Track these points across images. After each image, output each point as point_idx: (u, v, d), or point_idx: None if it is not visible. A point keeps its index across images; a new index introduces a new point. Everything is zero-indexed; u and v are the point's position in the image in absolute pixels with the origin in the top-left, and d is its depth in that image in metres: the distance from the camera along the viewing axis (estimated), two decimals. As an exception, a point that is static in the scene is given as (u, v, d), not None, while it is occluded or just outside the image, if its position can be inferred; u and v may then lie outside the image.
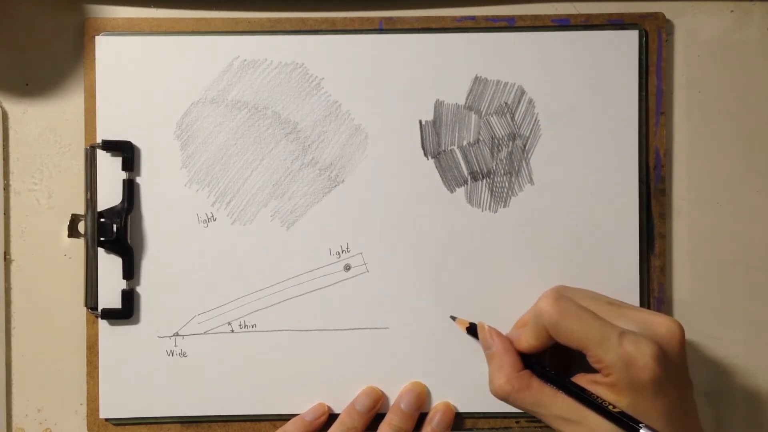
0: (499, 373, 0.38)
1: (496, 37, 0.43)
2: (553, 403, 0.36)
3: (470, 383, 0.43)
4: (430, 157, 0.43)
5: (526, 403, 0.37)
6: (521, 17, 0.44)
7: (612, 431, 0.34)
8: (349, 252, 0.43)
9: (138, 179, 0.43)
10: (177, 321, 0.43)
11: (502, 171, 0.43)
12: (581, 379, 0.37)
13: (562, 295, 0.37)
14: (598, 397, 0.35)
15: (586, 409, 0.35)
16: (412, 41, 0.43)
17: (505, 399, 0.38)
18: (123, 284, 0.43)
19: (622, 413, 0.34)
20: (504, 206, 0.43)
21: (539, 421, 0.43)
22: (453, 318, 0.43)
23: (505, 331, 0.41)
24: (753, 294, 0.45)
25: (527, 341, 0.38)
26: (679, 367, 0.35)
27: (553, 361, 0.40)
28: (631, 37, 0.43)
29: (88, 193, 0.43)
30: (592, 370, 0.36)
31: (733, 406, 0.45)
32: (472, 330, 0.42)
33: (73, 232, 0.43)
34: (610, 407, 0.34)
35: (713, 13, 0.44)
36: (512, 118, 0.43)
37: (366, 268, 0.43)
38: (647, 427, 0.33)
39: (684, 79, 0.44)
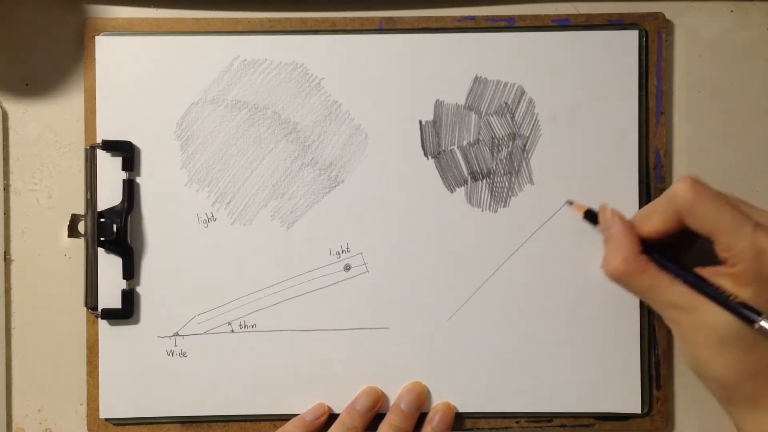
0: (616, 253, 0.37)
1: (496, 37, 0.43)
2: (668, 289, 0.36)
3: (470, 383, 0.43)
4: (430, 157, 0.43)
5: (640, 287, 0.37)
6: (521, 17, 0.44)
7: (727, 322, 0.34)
8: (349, 252, 0.43)
9: (138, 179, 0.43)
10: (177, 321, 0.43)
11: (502, 171, 0.43)
12: (701, 271, 0.36)
13: (698, 179, 0.36)
14: (719, 286, 0.34)
15: (700, 298, 0.35)
16: (412, 41, 0.43)
17: (618, 280, 0.37)
18: (123, 284, 0.43)
19: (743, 304, 0.33)
20: (504, 206, 0.43)
21: (540, 421, 0.43)
22: (570, 203, 0.42)
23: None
24: (753, 294, 0.45)
25: (653, 225, 0.37)
26: None
27: (672, 255, 0.39)
28: (631, 37, 0.43)
29: (88, 193, 0.43)
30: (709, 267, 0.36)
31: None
32: (590, 215, 0.41)
33: (73, 232, 0.43)
34: (732, 297, 0.34)
35: (713, 13, 0.44)
36: (512, 118, 0.43)
37: (366, 268, 0.43)
38: (767, 318, 0.33)
39: (684, 79, 0.44)
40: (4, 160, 0.44)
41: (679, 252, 0.38)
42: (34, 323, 0.44)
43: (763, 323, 0.33)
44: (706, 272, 0.36)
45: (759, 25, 0.44)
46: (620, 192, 0.43)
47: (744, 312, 0.33)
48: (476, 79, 0.43)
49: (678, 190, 0.36)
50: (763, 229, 0.34)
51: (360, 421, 0.42)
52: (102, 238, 0.42)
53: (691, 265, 0.37)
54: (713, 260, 0.36)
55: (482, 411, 0.43)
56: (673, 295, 0.36)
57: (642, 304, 0.43)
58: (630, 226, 0.38)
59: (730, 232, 0.34)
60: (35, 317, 0.44)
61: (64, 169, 0.44)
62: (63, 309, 0.44)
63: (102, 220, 0.43)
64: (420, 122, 0.43)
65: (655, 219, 0.37)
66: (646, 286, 0.37)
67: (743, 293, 0.34)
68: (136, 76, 0.43)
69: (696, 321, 0.35)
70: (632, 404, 0.43)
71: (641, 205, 0.43)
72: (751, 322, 0.33)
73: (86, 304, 0.43)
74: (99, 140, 0.43)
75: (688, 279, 0.36)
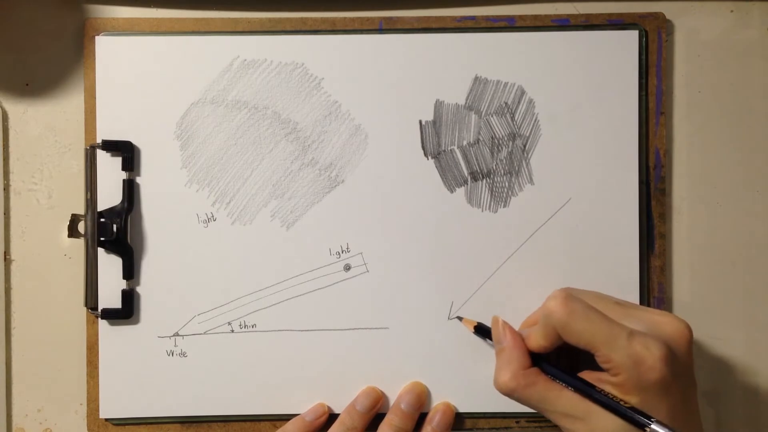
0: (506, 369, 0.38)
1: (496, 37, 0.43)
2: (558, 399, 0.36)
3: (470, 383, 0.43)
4: (430, 157, 0.43)
5: (531, 399, 0.37)
6: (521, 17, 0.44)
7: (616, 428, 0.34)
8: (349, 252, 0.43)
9: (138, 179, 0.43)
10: (177, 321, 0.43)
11: (502, 171, 0.43)
12: (588, 377, 0.37)
13: (570, 295, 0.37)
14: (608, 393, 0.35)
15: (592, 406, 0.35)
16: (412, 41, 0.43)
17: (509, 394, 0.38)
18: (123, 284, 0.43)
19: (634, 408, 0.34)
20: (504, 206, 0.43)
21: (539, 421, 0.43)
22: (459, 318, 0.43)
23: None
24: (753, 294, 0.45)
25: (536, 341, 0.38)
26: (685, 367, 0.35)
27: (561, 361, 0.40)
28: (631, 37, 0.43)
29: (88, 193, 0.43)
30: (599, 370, 0.36)
31: (733, 406, 0.45)
32: (480, 330, 0.42)
33: (73, 232, 0.43)
34: (622, 403, 0.34)
35: (713, 13, 0.44)
36: (512, 118, 0.43)
37: (366, 268, 0.43)
38: (658, 422, 0.33)
39: (684, 79, 0.44)
40: (4, 160, 0.44)
41: (571, 355, 0.39)
42: (34, 323, 0.44)
43: (654, 426, 0.33)
44: (594, 378, 0.36)
45: (759, 25, 0.44)
46: (620, 192, 0.43)
47: (634, 417, 0.34)
48: (476, 79, 0.43)
49: (551, 307, 0.37)
50: (637, 337, 0.34)
51: (360, 421, 0.42)
52: (102, 238, 0.42)
53: (585, 368, 0.37)
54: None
55: (482, 411, 0.43)
56: (565, 405, 0.36)
57: (641, 301, 0.43)
58: (520, 340, 0.39)
59: (606, 346, 0.35)
60: (35, 317, 0.44)
61: (64, 169, 0.44)
62: (63, 309, 0.44)
63: (102, 220, 0.43)
64: (420, 122, 0.43)
65: (538, 335, 0.38)
66: (538, 397, 0.37)
67: (630, 400, 0.34)
68: (136, 76, 0.43)
69: (589, 428, 0.35)
70: (632, 404, 0.43)
71: (641, 205, 0.43)
72: (641, 427, 0.33)
73: (86, 304, 0.43)
74: (99, 140, 0.43)
75: (578, 387, 0.36)
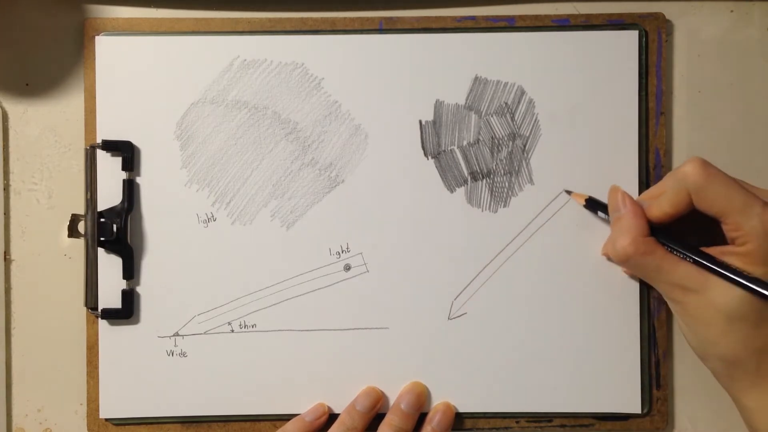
0: (624, 235, 0.38)
1: (496, 37, 0.43)
2: (675, 269, 0.36)
3: (470, 383, 0.43)
4: (430, 157, 0.43)
5: (647, 267, 0.37)
6: (521, 17, 0.44)
7: (735, 300, 0.34)
8: (349, 252, 0.43)
9: (138, 179, 0.43)
10: (177, 321, 0.43)
11: (502, 171, 0.43)
12: (709, 251, 0.36)
13: (706, 161, 0.36)
14: (732, 263, 0.35)
15: (710, 277, 0.35)
16: (412, 41, 0.43)
17: (625, 261, 0.38)
18: (123, 284, 0.43)
19: (759, 280, 0.34)
20: (504, 206, 0.43)
21: (540, 420, 0.43)
22: (569, 192, 0.42)
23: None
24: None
25: (661, 208, 0.38)
26: None
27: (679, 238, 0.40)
28: (631, 37, 0.43)
29: (88, 193, 0.43)
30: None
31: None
32: (591, 203, 0.42)
33: (73, 232, 0.43)
34: (746, 273, 0.34)
35: (713, 13, 0.44)
36: (512, 118, 0.43)
37: (366, 268, 0.43)
38: None
39: (684, 79, 0.44)
40: (4, 160, 0.44)
41: (679, 235, 0.39)
42: (34, 323, 0.44)
43: None
44: (717, 252, 0.36)
45: (759, 25, 0.44)
46: (620, 192, 0.43)
47: (760, 287, 0.34)
48: (476, 79, 0.43)
49: (688, 171, 0.36)
50: None
51: (360, 421, 0.42)
52: (102, 238, 0.42)
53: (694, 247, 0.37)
54: (713, 243, 0.37)
55: (482, 411, 0.43)
56: (680, 276, 0.36)
57: (642, 305, 0.43)
58: (639, 209, 0.39)
59: (739, 212, 0.35)
60: (35, 317, 0.44)
61: (64, 169, 0.44)
62: (63, 309, 0.44)
63: (102, 220, 0.43)
64: (420, 122, 0.43)
65: (664, 202, 0.38)
66: (653, 267, 0.37)
67: (755, 271, 0.34)
68: (136, 76, 0.43)
69: (703, 300, 0.35)
70: (632, 404, 0.43)
71: (641, 205, 0.43)
72: (766, 298, 0.34)
73: (86, 304, 0.43)
74: (99, 140, 0.43)
75: (699, 258, 0.36)
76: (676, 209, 0.37)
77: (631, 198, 0.39)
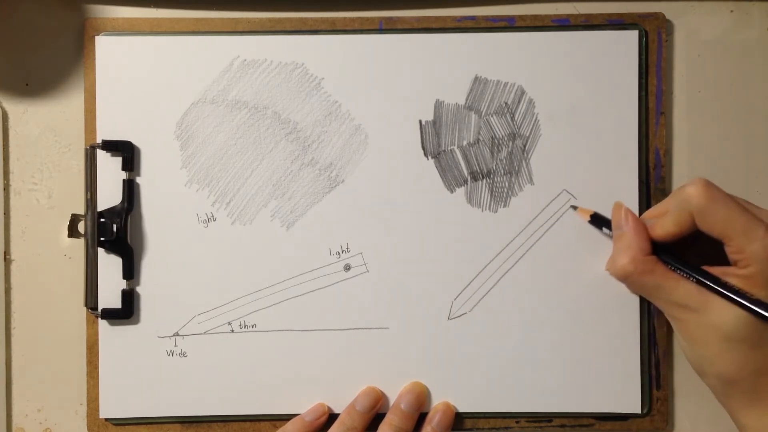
0: (625, 252, 0.38)
1: (496, 37, 0.43)
2: (675, 289, 0.36)
3: (470, 383, 0.43)
4: (430, 157, 0.43)
5: (646, 285, 0.37)
6: (521, 17, 0.44)
7: (734, 320, 0.34)
8: (349, 252, 0.43)
9: (138, 179, 0.43)
10: (177, 321, 0.43)
11: (502, 171, 0.43)
12: (711, 271, 0.36)
13: (710, 182, 0.36)
14: (734, 284, 0.35)
15: (710, 297, 0.35)
16: (412, 41, 0.43)
17: (625, 279, 0.38)
18: (123, 284, 0.43)
19: (761, 302, 0.34)
20: (504, 206, 0.43)
21: (539, 420, 0.43)
22: (574, 208, 0.42)
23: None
24: (753, 294, 0.45)
25: (665, 228, 0.38)
26: None
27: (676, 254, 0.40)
28: (631, 37, 0.43)
29: (88, 193, 0.43)
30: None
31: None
32: (596, 219, 0.42)
33: (73, 232, 0.43)
34: (748, 294, 0.34)
35: (713, 13, 0.44)
36: (512, 118, 0.43)
37: (366, 268, 0.43)
38: None
39: (684, 79, 0.44)
40: (4, 160, 0.44)
41: (681, 253, 0.39)
42: (34, 323, 0.44)
43: None
44: (719, 272, 0.36)
45: (759, 25, 0.44)
46: (620, 192, 0.43)
47: (762, 309, 0.34)
48: (476, 79, 0.43)
49: (691, 192, 0.36)
50: None
51: (360, 421, 0.42)
52: (102, 238, 0.42)
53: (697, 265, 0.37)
54: (715, 262, 0.37)
55: (482, 411, 0.43)
56: (681, 295, 0.36)
57: (642, 305, 0.43)
58: (642, 227, 0.38)
59: (742, 235, 0.35)
60: (35, 317, 0.44)
61: (64, 169, 0.44)
62: (63, 309, 0.44)
63: (102, 220, 0.43)
64: (420, 122, 0.43)
65: (668, 222, 0.38)
66: (653, 285, 0.37)
67: (756, 294, 0.34)
68: (136, 76, 0.43)
69: (703, 320, 0.35)
70: (632, 404, 0.43)
71: (641, 205, 0.43)
72: (766, 320, 0.33)
73: (86, 304, 0.43)
74: (99, 140, 0.43)
75: (702, 278, 0.36)
76: (679, 229, 0.37)
77: (634, 215, 0.39)
